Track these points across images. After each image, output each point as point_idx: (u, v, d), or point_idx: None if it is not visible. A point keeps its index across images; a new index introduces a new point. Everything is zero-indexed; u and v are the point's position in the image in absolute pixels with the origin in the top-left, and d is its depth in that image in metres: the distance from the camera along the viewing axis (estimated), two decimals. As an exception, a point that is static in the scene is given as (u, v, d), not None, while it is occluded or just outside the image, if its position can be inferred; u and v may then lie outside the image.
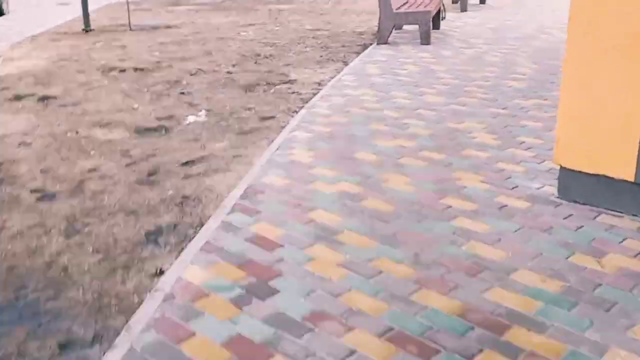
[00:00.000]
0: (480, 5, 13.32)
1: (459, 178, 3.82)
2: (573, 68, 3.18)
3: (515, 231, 3.11)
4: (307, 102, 5.87)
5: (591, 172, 3.24)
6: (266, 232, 3.17)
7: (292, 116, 5.41)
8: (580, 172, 3.29)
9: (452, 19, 11.19)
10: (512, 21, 10.65)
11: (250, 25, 11.19)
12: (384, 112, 5.33)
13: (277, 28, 10.78)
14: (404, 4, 9.48)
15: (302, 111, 5.49)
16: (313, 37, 9.68)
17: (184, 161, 4.37)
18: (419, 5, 9.35)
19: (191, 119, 5.40)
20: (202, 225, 3.35)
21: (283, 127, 5.08)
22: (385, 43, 8.77)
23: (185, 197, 3.73)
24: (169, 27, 10.92)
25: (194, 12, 13.20)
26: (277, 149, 4.49)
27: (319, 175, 3.92)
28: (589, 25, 3.06)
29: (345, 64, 7.65)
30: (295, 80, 6.82)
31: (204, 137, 4.90)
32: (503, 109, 5.35)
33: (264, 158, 4.31)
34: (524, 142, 4.46)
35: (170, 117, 5.46)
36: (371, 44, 9.01)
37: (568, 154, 3.31)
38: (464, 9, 12.30)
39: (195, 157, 4.45)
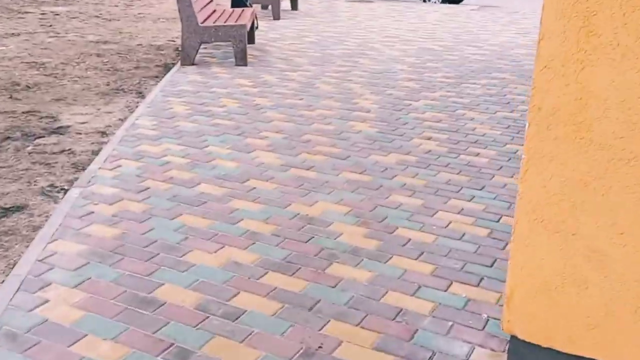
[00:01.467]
0: (293, 12, 12.10)
1: (337, 342, 2.30)
2: (541, 194, 1.81)
3: None
4: (82, 169, 3.97)
5: (568, 352, 1.92)
6: None
7: (57, 203, 3.49)
8: (548, 349, 1.95)
9: (265, 29, 9.76)
10: (332, 33, 9.52)
11: (13, 35, 8.68)
12: (200, 188, 3.65)
13: (50, 40, 8.44)
14: (211, 13, 7.81)
15: (73, 191, 3.59)
16: (98, 54, 7.59)
17: None
18: (230, 17, 7.75)
19: None
20: None
21: (37, 231, 3.16)
22: (192, 64, 7.04)
23: None
24: None
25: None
26: (18, 289, 2.59)
27: (92, 360, 2.15)
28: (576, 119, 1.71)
29: (141, 96, 5.79)
30: (67, 127, 4.81)
31: None
32: (361, 172, 3.97)
33: (-9, 317, 2.41)
34: (408, 240, 3.08)
35: None
36: (174, 64, 7.22)
37: (527, 321, 1.96)
38: (277, 16, 10.96)
39: None
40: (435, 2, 14.53)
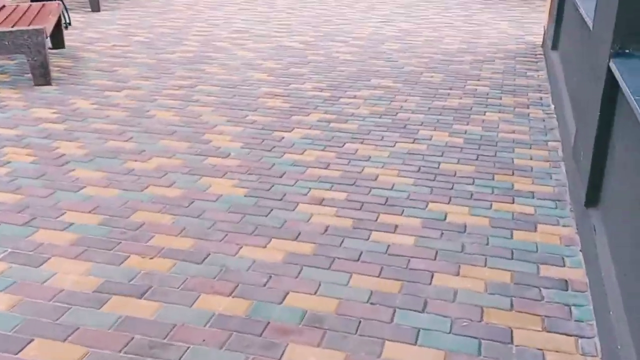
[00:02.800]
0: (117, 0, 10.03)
1: None
2: None
3: None
4: None
5: None
6: None
7: None
8: None
9: (81, 26, 7.73)
10: (167, 28, 7.72)
11: None
12: None
13: None
14: (-3, 12, 5.72)
15: None
16: None
17: None
18: (24, 15, 5.70)
19: None
20: None
21: None
22: (-33, 87, 4.99)
23: None
24: None
25: None
26: None
27: None
28: None
29: None
30: None
31: None
32: (230, 293, 2.44)
33: None
34: None
35: None
36: (-58, 86, 5.11)
37: None
38: (95, 8, 8.87)
39: None
40: (282, -15, 13.06)
